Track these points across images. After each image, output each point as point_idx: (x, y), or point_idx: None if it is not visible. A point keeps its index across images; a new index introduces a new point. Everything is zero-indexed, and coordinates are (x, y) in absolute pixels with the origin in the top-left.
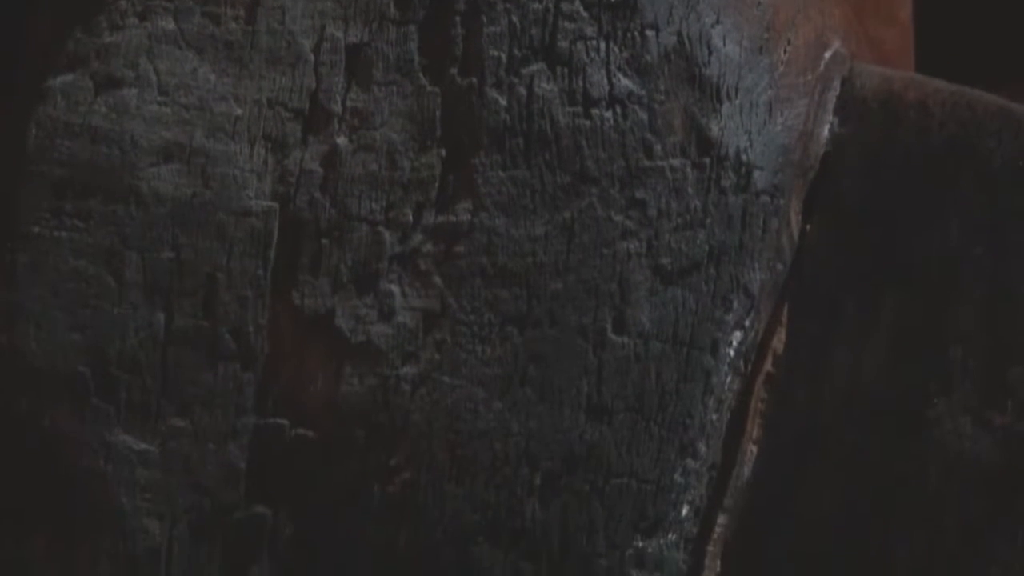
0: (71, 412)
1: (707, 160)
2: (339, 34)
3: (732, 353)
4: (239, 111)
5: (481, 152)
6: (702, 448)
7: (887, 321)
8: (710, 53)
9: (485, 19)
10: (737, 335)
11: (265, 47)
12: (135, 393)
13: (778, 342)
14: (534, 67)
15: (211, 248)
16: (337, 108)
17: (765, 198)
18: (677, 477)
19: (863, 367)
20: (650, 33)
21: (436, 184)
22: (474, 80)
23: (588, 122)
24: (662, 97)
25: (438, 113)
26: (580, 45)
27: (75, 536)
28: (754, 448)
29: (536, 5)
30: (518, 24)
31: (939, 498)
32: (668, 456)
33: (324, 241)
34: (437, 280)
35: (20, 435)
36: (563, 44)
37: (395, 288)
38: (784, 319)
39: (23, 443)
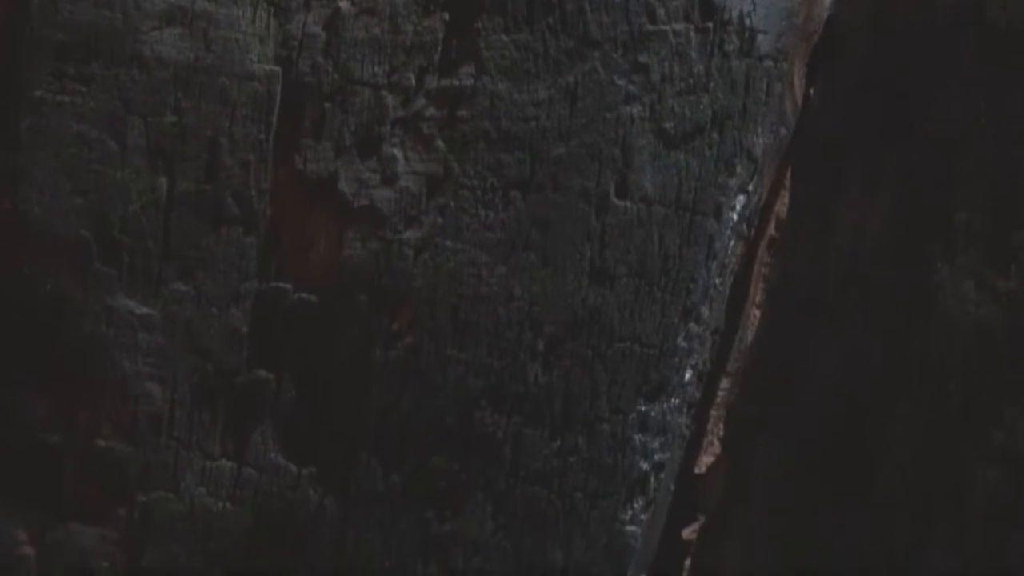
0: (73, 276)
1: (710, 24)
2: None
3: (735, 217)
4: None
5: (484, 15)
6: (705, 312)
7: (890, 185)
8: None
9: None
10: (740, 199)
11: None
12: (137, 257)
13: (781, 206)
14: None
15: (213, 112)
16: None
17: (769, 62)
18: (680, 341)
19: (867, 231)
20: None
21: (439, 48)
22: None
23: None
24: None
25: None
26: None
27: (77, 400)
28: (757, 312)
29: None
30: None
31: (943, 363)
32: (671, 320)
33: (327, 105)
34: (440, 144)
35: (23, 300)
36: None
37: (398, 152)
38: (787, 183)
39: (26, 308)
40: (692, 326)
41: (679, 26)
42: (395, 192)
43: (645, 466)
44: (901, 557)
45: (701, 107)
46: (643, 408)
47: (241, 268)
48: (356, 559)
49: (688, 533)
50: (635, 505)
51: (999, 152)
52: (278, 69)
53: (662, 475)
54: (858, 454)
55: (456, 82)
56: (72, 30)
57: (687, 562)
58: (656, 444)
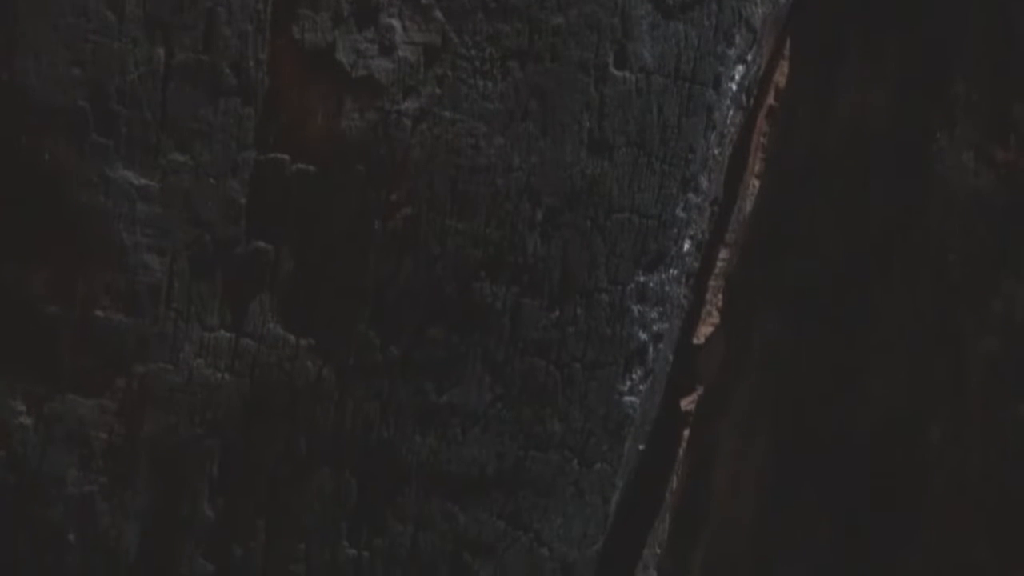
0: (71, 147)
1: None
2: None
3: (734, 87)
4: None
5: None
6: (704, 183)
7: (891, 54)
8: None
9: None
10: (739, 69)
11: None
12: (135, 128)
13: (780, 76)
14: None
15: None
16: None
17: None
18: (679, 212)
19: (866, 101)
20: None
21: None
22: None
23: None
24: None
25: None
26: None
27: (76, 271)
28: (756, 182)
29: None
30: None
31: (942, 233)
32: (670, 191)
33: None
34: (438, 14)
35: (20, 171)
36: None
37: (396, 22)
38: (787, 53)
39: (23, 179)
40: (691, 196)
41: None
42: (393, 62)
43: (643, 336)
44: (900, 424)
45: None
46: (641, 278)
47: (239, 139)
48: (354, 430)
49: (686, 403)
50: (633, 376)
51: (1000, 22)
52: None
53: (660, 345)
54: (857, 324)
55: None
56: None
57: (685, 433)
58: (654, 314)
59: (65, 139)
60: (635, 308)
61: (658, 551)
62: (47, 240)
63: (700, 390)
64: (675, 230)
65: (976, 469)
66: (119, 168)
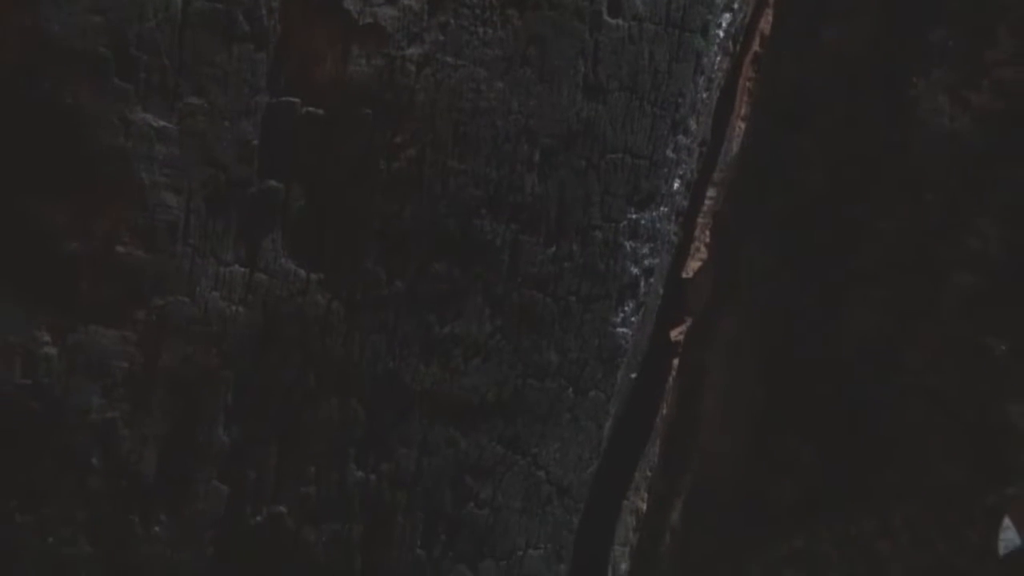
0: (93, 91)
1: None
2: None
3: (721, 34)
4: None
5: None
6: (693, 125)
7: (874, 5)
8: None
9: None
10: (726, 17)
11: None
12: (154, 73)
13: (766, 24)
14: None
15: None
16: None
17: None
18: (669, 153)
19: (847, 46)
20: None
21: None
22: None
23: None
24: None
25: None
26: None
27: (96, 209)
28: (742, 124)
29: None
30: None
31: (920, 172)
32: (661, 133)
33: None
34: None
35: (44, 113)
36: None
37: None
38: (772, 1)
39: (48, 121)
40: (680, 138)
41: None
42: (398, 10)
43: (635, 271)
44: (879, 351)
45: None
46: (633, 216)
47: (252, 83)
48: (362, 360)
49: (676, 334)
50: (626, 308)
51: None
52: None
53: (651, 279)
54: (839, 258)
55: None
56: None
57: (675, 362)
58: (646, 250)
59: (87, 83)
60: (627, 244)
61: (649, 474)
62: (70, 179)
63: (689, 321)
64: (665, 170)
65: (950, 394)
66: (138, 111)
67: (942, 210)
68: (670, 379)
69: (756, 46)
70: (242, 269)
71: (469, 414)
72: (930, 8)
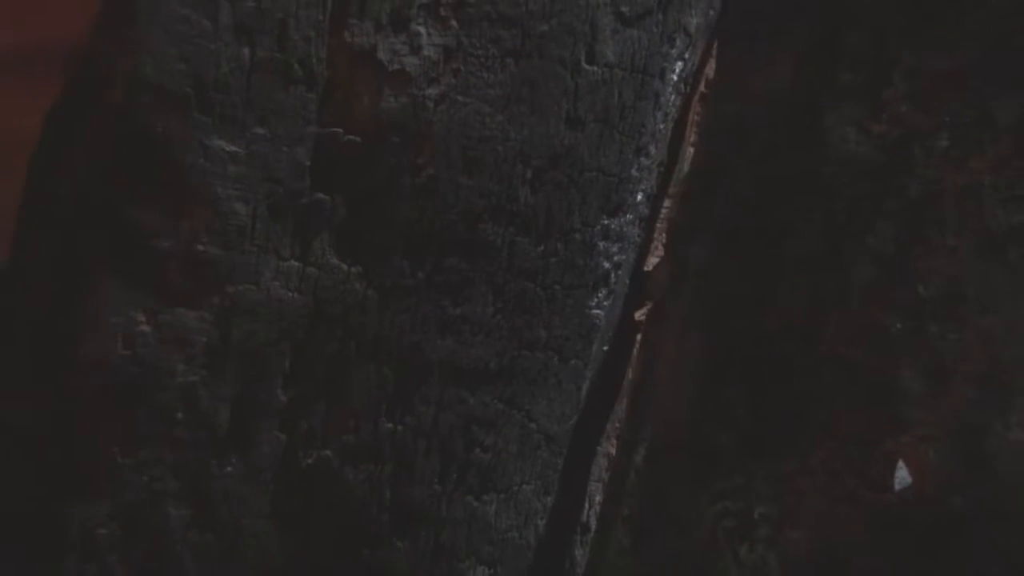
0: (179, 122)
1: None
2: None
3: (675, 78)
4: None
5: None
6: (653, 149)
7: (791, 52)
8: None
9: None
10: (679, 64)
11: None
12: (226, 108)
13: (709, 70)
14: None
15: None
16: None
17: None
18: (634, 172)
19: (773, 87)
20: None
21: None
22: None
23: None
24: None
25: None
26: None
27: (182, 215)
28: (691, 149)
29: None
30: None
31: (831, 185)
32: (627, 156)
33: None
34: (453, 23)
35: (142, 139)
36: None
37: (422, 29)
38: (715, 52)
39: (145, 145)
40: (643, 160)
41: None
42: (420, 59)
43: (607, 265)
44: (800, 328)
45: None
46: (606, 222)
47: (304, 117)
48: (391, 334)
49: (639, 315)
50: (599, 294)
51: (876, 23)
52: None
53: (620, 272)
54: (767, 253)
55: None
56: None
57: (638, 337)
58: (615, 249)
59: (174, 116)
60: (601, 244)
61: (617, 425)
62: (161, 191)
63: (649, 305)
64: (631, 185)
65: (856, 362)
66: (215, 138)
67: (848, 215)
68: (634, 351)
69: (702, 87)
70: (296, 264)
71: (476, 378)
72: (838, 57)
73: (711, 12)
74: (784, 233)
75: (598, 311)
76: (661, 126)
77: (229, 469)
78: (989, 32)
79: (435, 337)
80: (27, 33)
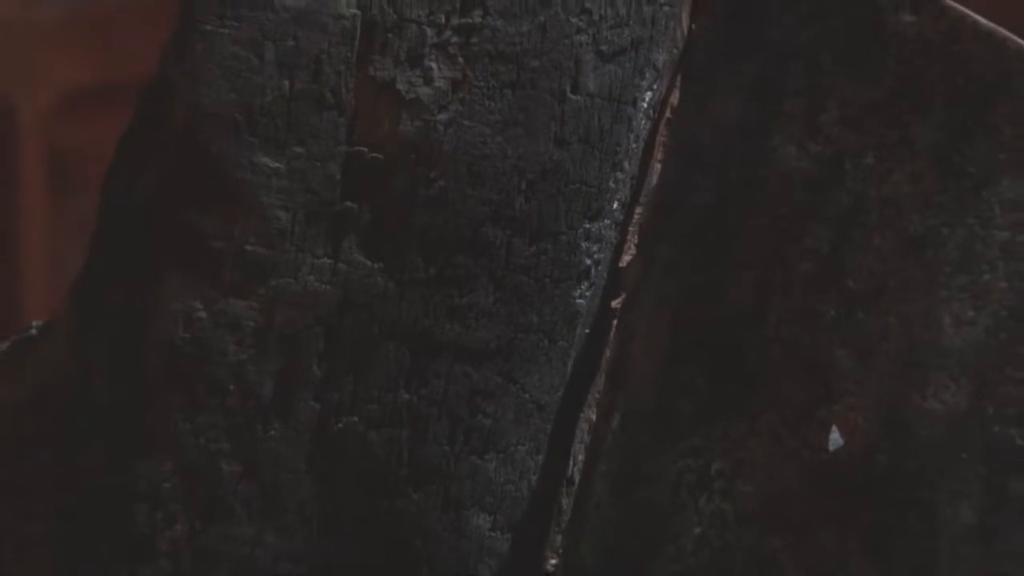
0: (230, 143)
1: None
2: None
3: (645, 105)
4: None
5: None
6: (626, 165)
7: (745, 85)
8: None
9: None
10: (648, 94)
11: None
12: (270, 131)
13: (674, 99)
14: None
15: (318, 39)
16: None
17: (666, 7)
18: (611, 184)
19: (727, 114)
20: None
21: None
22: None
23: None
24: None
25: None
26: None
27: (234, 219)
28: (659, 165)
29: None
30: None
31: (776, 195)
32: (605, 170)
33: (389, 35)
34: (460, 60)
35: (200, 156)
36: None
37: (433, 64)
38: (678, 83)
39: (202, 161)
40: (618, 174)
41: None
42: (432, 90)
43: (588, 262)
44: (749, 314)
45: (624, 36)
46: (587, 226)
47: (335, 138)
48: (407, 320)
49: (615, 304)
50: (582, 286)
51: (816, 58)
52: (359, 12)
53: (599, 267)
54: (721, 251)
55: (470, 20)
56: None
57: (614, 322)
58: (595, 248)
59: (227, 138)
60: (583, 244)
61: (597, 396)
62: (217, 200)
63: (623, 295)
64: (608, 195)
65: (798, 343)
66: (260, 156)
67: (790, 220)
68: (611, 333)
69: (668, 114)
70: (329, 261)
71: (479, 356)
72: (781, 88)
73: (675, 50)
74: (736, 235)
75: (581, 300)
76: (633, 146)
77: (272, 432)
78: (907, 67)
79: (444, 322)
80: (109, 70)
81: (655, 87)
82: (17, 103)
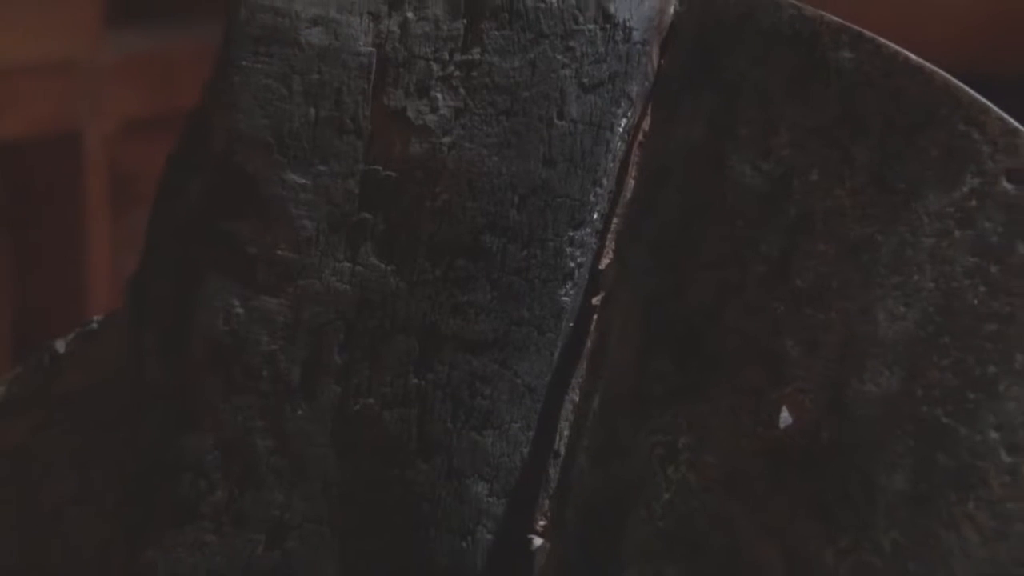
0: (262, 162)
1: (608, 25)
2: None
3: (621, 130)
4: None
5: (485, 21)
6: (605, 181)
7: (706, 113)
8: None
9: None
10: (624, 120)
11: None
12: (299, 152)
13: (645, 124)
14: None
15: (339, 74)
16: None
17: (639, 46)
18: (591, 198)
19: (690, 136)
20: None
21: (461, 38)
22: None
23: (543, 4)
24: None
25: (462, 3)
26: None
27: (266, 228)
28: (632, 180)
29: None
30: None
31: (733, 208)
32: (587, 186)
33: (400, 70)
34: (462, 91)
35: (237, 174)
36: None
37: (439, 95)
38: (649, 111)
39: (238, 178)
40: (598, 189)
41: (591, 26)
42: (438, 116)
43: (572, 265)
44: (714, 307)
45: (603, 70)
46: (572, 233)
47: (353, 157)
48: (415, 315)
49: (595, 301)
50: (567, 286)
51: (763, 98)
52: (374, 50)
53: (582, 269)
54: (686, 255)
55: (470, 57)
56: (262, 28)
57: (595, 316)
58: (578, 252)
59: (260, 159)
60: (568, 250)
61: (580, 380)
62: (250, 213)
63: (602, 294)
64: (589, 207)
65: (754, 334)
66: (289, 173)
67: (746, 229)
68: (592, 326)
69: (640, 137)
70: (348, 264)
71: (479, 346)
72: (737, 116)
73: (646, 83)
74: (698, 242)
75: (566, 298)
76: (611, 165)
77: (299, 412)
78: (847, 97)
79: (448, 317)
80: (164, 102)
81: (629, 114)
82: (84, 130)
